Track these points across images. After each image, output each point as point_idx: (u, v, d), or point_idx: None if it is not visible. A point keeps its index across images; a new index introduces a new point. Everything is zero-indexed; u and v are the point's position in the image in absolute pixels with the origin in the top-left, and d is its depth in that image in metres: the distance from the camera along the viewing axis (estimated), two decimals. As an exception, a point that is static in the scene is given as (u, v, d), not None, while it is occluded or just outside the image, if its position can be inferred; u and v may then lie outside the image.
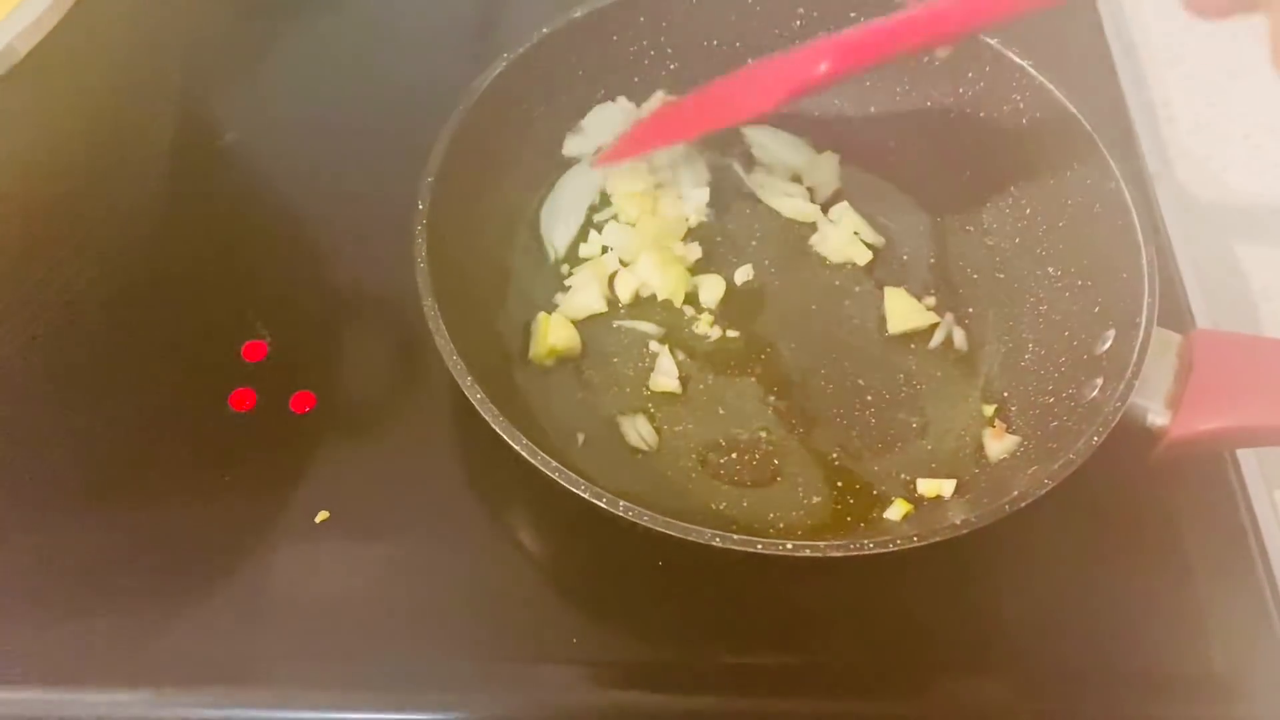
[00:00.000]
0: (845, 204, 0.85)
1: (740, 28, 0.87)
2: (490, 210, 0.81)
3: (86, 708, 0.66)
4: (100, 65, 0.68)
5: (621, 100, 0.87)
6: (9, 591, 0.69)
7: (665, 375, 0.77)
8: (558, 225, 0.84)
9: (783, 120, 0.89)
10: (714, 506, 0.72)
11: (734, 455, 0.74)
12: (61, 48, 0.59)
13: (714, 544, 0.61)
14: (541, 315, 0.79)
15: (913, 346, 0.79)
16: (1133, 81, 0.97)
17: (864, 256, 0.83)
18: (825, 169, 0.87)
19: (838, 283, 0.83)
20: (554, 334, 0.77)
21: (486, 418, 0.64)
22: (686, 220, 0.85)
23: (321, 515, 0.72)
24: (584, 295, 0.80)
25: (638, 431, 0.75)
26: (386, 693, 0.66)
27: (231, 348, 0.79)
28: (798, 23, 0.87)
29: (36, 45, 0.58)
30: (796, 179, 0.88)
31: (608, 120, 0.86)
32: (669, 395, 0.77)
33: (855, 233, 0.84)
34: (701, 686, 0.67)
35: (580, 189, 0.85)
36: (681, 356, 0.78)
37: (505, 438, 0.63)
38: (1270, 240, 0.86)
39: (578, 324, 0.79)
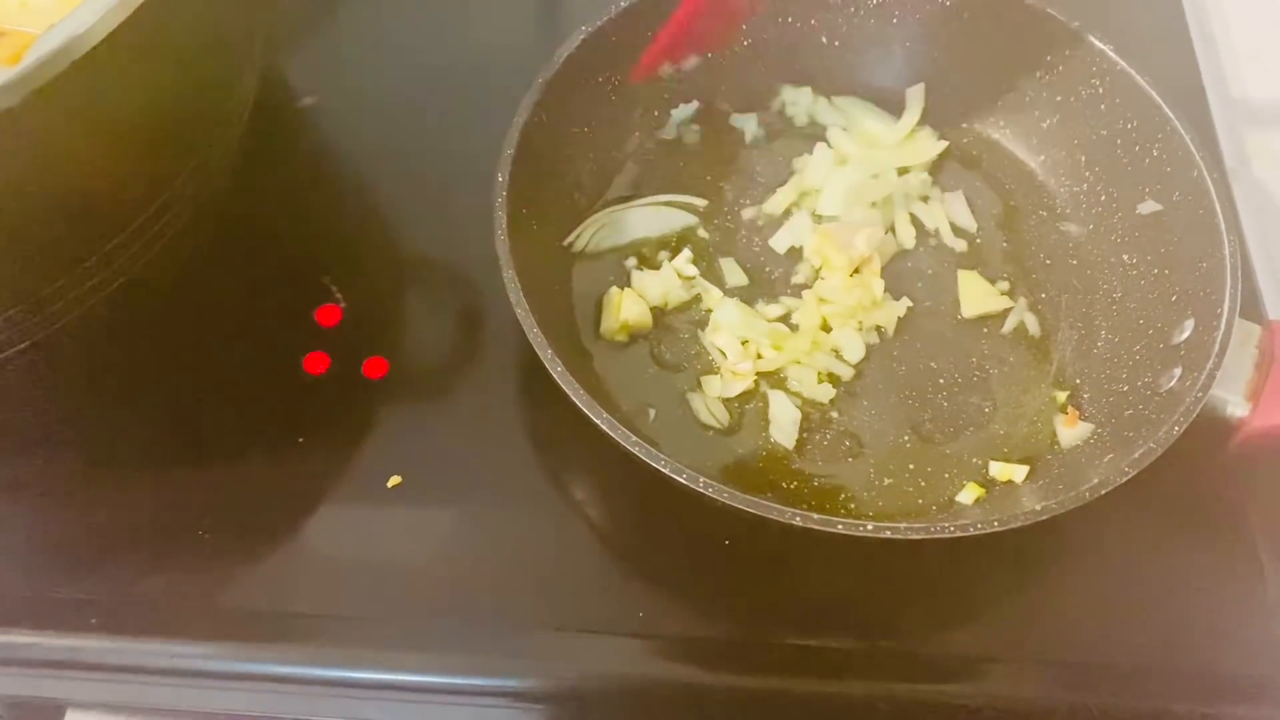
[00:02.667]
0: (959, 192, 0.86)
1: (812, 4, 0.87)
2: (564, 185, 0.81)
3: (156, 657, 0.67)
4: (186, 31, 0.68)
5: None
6: (88, 546, 0.71)
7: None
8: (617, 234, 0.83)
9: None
10: (785, 486, 0.72)
11: (805, 435, 0.74)
12: (150, 15, 0.59)
13: (794, 523, 0.61)
14: (614, 290, 0.79)
15: (985, 330, 0.79)
16: (1212, 75, 0.96)
17: (959, 245, 0.84)
18: (924, 146, 0.87)
19: (910, 264, 0.82)
20: (627, 309, 0.77)
21: (568, 391, 0.64)
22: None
23: (394, 480, 0.72)
24: (662, 282, 0.80)
25: (709, 409, 0.75)
26: (451, 656, 0.67)
27: (306, 311, 0.79)
28: (874, 1, 0.87)
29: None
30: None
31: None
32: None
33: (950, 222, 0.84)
34: (766, 667, 0.67)
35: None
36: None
37: (587, 412, 0.64)
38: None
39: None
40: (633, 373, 0.77)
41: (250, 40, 0.78)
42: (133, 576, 0.69)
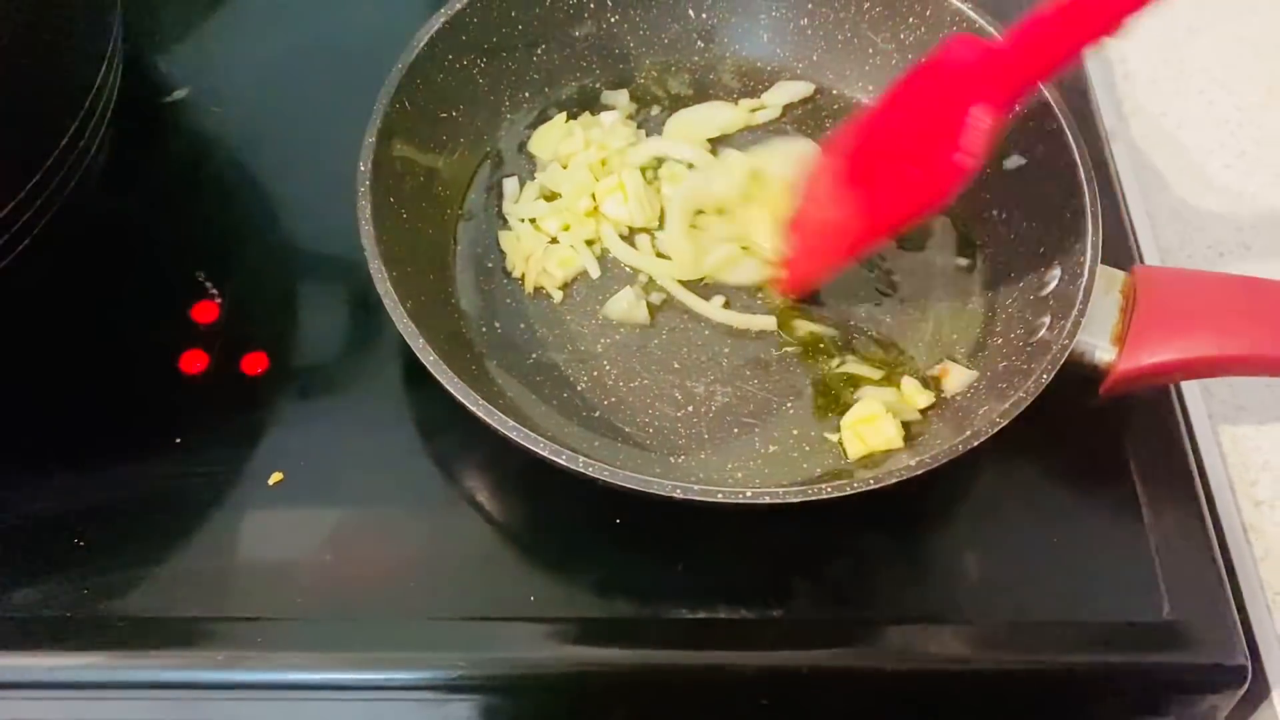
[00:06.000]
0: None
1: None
2: (438, 166, 0.81)
3: (39, 672, 0.66)
4: (40, 23, 0.67)
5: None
6: (-41, 560, 0.69)
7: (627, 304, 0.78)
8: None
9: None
10: (673, 461, 0.72)
11: (690, 409, 0.74)
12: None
13: (674, 496, 0.62)
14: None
15: (861, 293, 0.80)
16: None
17: None
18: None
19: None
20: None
21: (440, 379, 0.64)
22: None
23: (275, 477, 0.71)
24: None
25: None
26: (343, 654, 0.66)
27: (181, 309, 0.78)
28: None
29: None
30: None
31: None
32: (624, 350, 0.77)
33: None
34: (659, 642, 0.67)
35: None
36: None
37: (460, 399, 0.64)
38: (1222, 196, 0.87)
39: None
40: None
41: (107, 27, 0.76)
42: (4, 589, 0.67)
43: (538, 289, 0.79)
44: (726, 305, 0.78)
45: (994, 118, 0.64)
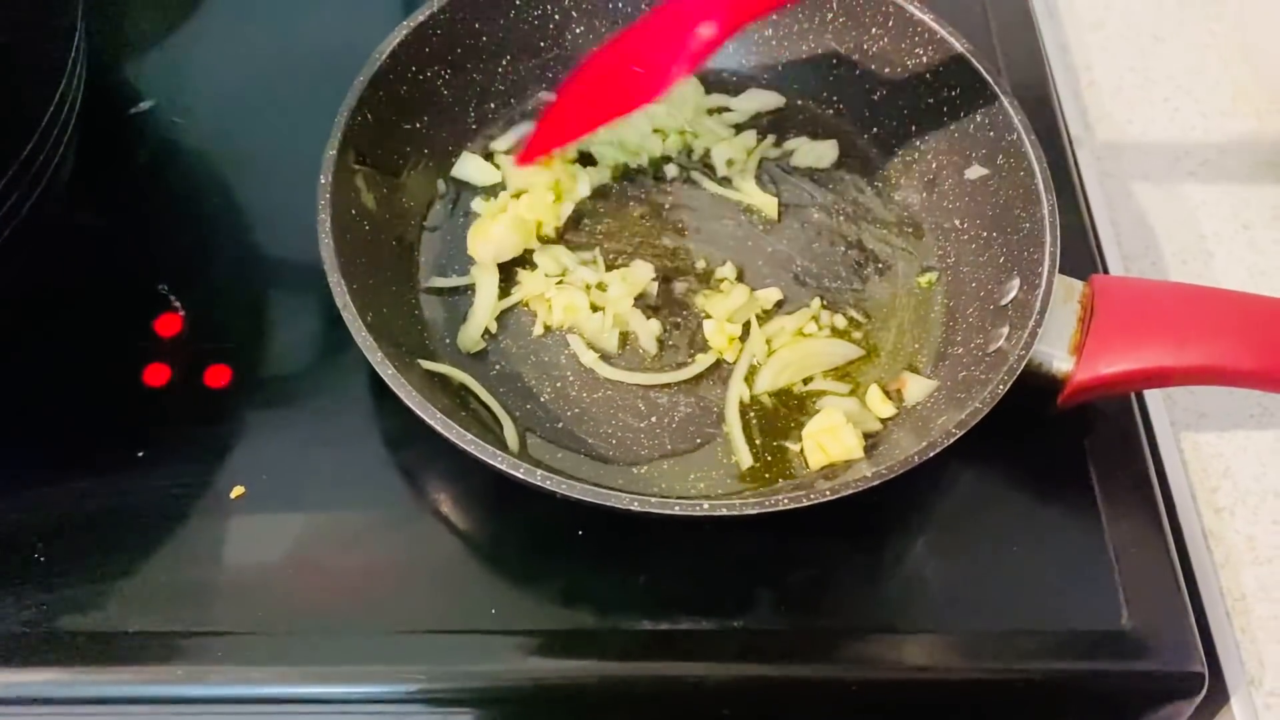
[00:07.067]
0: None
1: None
2: (402, 179, 0.81)
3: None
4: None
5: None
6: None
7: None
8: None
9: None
10: (635, 471, 0.72)
11: (653, 419, 0.74)
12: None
13: (632, 509, 0.62)
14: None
15: (826, 301, 0.80)
16: (1055, 45, 0.98)
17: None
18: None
19: (750, 243, 0.82)
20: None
21: (399, 392, 0.64)
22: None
23: (237, 490, 0.71)
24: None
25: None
26: (304, 668, 0.66)
27: (144, 322, 0.78)
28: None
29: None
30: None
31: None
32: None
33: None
34: (621, 654, 0.67)
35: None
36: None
37: (419, 412, 0.64)
38: (1186, 203, 0.88)
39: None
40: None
41: (70, 37, 0.76)
42: (-32, 603, 0.67)
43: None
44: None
45: (713, 36, 0.71)
